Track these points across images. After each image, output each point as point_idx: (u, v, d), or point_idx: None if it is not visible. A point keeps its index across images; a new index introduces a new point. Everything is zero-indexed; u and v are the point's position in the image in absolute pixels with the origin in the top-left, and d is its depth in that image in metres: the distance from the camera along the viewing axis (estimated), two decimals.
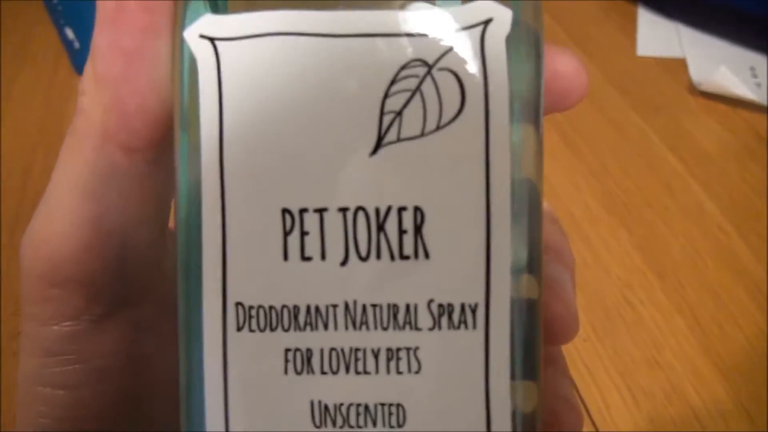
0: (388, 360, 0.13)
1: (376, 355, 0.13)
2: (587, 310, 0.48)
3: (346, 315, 0.13)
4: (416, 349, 0.12)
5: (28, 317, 0.16)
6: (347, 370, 0.13)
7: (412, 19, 0.12)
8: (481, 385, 0.12)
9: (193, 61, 0.13)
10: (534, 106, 0.13)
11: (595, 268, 0.50)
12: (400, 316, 0.13)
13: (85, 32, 0.76)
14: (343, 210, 0.12)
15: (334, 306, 0.12)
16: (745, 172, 0.56)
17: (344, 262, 0.12)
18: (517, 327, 0.13)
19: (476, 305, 0.12)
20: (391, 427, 0.13)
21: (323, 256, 0.12)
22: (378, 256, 0.12)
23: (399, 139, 0.12)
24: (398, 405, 0.13)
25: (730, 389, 0.43)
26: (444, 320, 0.12)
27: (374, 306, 0.13)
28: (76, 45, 0.77)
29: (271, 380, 0.13)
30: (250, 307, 0.13)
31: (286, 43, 0.12)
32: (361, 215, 0.12)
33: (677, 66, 0.67)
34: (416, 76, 0.12)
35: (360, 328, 0.13)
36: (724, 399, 0.43)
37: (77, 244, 0.15)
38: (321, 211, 0.12)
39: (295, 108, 0.12)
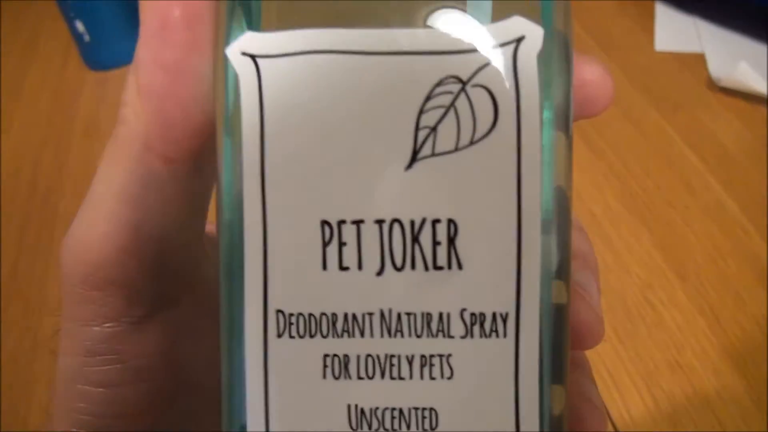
0: (422, 366, 0.13)
1: (410, 362, 0.13)
2: (607, 311, 0.47)
3: (381, 323, 0.13)
4: (449, 356, 0.13)
5: (69, 318, 0.16)
6: (383, 375, 0.13)
7: (446, 37, 0.12)
8: (511, 392, 0.13)
9: (235, 77, 0.13)
10: (564, 114, 0.14)
11: (615, 268, 0.50)
12: (434, 325, 0.13)
13: (95, 25, 0.76)
14: (380, 222, 0.13)
15: (371, 314, 0.13)
16: (765, 170, 0.55)
17: (380, 272, 0.13)
18: (546, 333, 0.13)
19: (507, 314, 0.13)
20: (425, 430, 0.13)
21: (360, 266, 0.13)
22: (413, 267, 0.13)
23: (434, 154, 0.13)
24: (431, 409, 0.13)
25: (751, 391, 0.42)
26: (476, 329, 0.13)
27: (408, 314, 0.13)
28: (86, 38, 0.76)
29: (310, 384, 0.13)
30: (290, 315, 0.13)
31: (324, 60, 0.12)
32: (396, 227, 0.13)
33: (696, 61, 0.66)
34: (450, 92, 0.12)
35: (395, 335, 0.13)
36: (745, 401, 0.42)
37: (117, 248, 0.15)
38: (358, 222, 0.13)
39: (332, 123, 0.13)
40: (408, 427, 0.13)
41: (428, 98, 0.13)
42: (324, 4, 0.13)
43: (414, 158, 0.13)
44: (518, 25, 0.13)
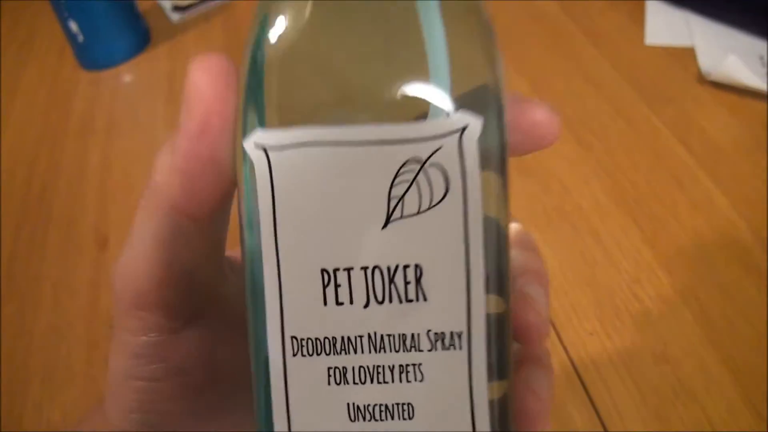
0: (401, 373, 0.17)
1: (391, 370, 0.17)
2: (595, 305, 0.48)
3: (369, 342, 0.17)
4: (420, 365, 0.17)
5: (122, 330, 0.21)
6: (372, 381, 0.17)
7: (409, 129, 0.16)
8: (466, 388, 0.17)
9: (251, 163, 0.17)
10: (498, 160, 0.17)
11: (603, 262, 0.50)
12: (408, 342, 0.17)
13: (88, 25, 0.76)
14: (364, 268, 0.17)
15: (361, 336, 0.17)
16: (755, 164, 0.55)
17: (366, 305, 0.17)
18: (492, 342, 0.17)
19: (461, 332, 0.17)
20: (404, 420, 0.17)
21: (351, 302, 0.17)
22: (390, 301, 0.17)
23: (402, 217, 0.17)
24: (408, 404, 0.17)
25: (737, 384, 0.43)
26: (439, 344, 0.17)
27: (389, 335, 0.17)
28: (80, 38, 0.76)
29: (319, 390, 0.17)
30: (302, 339, 0.17)
31: (318, 150, 0.16)
32: (377, 272, 0.17)
33: (686, 55, 0.66)
34: (413, 170, 0.16)
35: (379, 351, 0.17)
36: (732, 394, 0.42)
37: (156, 280, 0.20)
38: (348, 269, 0.17)
39: (326, 196, 0.17)
40: (392, 417, 0.17)
41: (397, 175, 0.16)
42: (312, 108, 0.17)
43: (388, 221, 0.17)
44: (463, 117, 0.16)
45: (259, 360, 0.18)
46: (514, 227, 0.24)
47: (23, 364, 0.51)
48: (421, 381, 0.17)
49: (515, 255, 0.23)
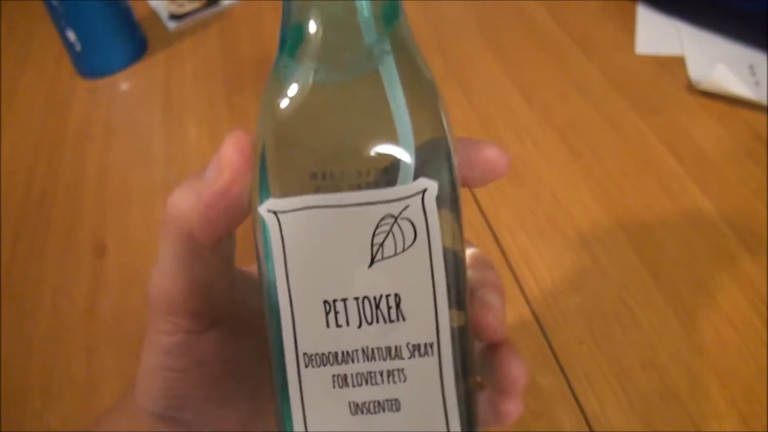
0: (388, 376, 0.22)
1: (381, 375, 0.22)
2: (584, 313, 0.48)
3: (363, 354, 0.22)
4: (402, 369, 0.22)
5: (155, 331, 0.26)
6: (366, 383, 0.22)
7: (385, 193, 0.21)
8: (438, 384, 0.22)
9: (265, 223, 0.22)
10: (451, 198, 0.22)
11: (592, 269, 0.51)
12: (392, 352, 0.22)
13: (86, 34, 0.77)
14: (356, 298, 0.22)
15: (356, 350, 0.22)
16: (743, 173, 0.56)
17: (359, 326, 0.22)
18: (456, 347, 0.22)
19: (432, 343, 0.22)
20: (393, 411, 0.22)
21: (348, 324, 0.22)
22: (377, 322, 0.22)
23: (383, 258, 0.22)
24: (395, 399, 0.22)
25: (723, 390, 0.43)
26: (416, 353, 0.22)
27: (378, 348, 0.22)
28: (78, 47, 0.77)
29: (327, 393, 0.22)
30: (312, 354, 0.22)
31: (317, 211, 0.21)
32: (366, 301, 0.22)
33: (676, 64, 0.67)
34: (389, 223, 0.21)
35: (371, 360, 0.22)
36: (718, 400, 0.43)
37: (182, 293, 0.25)
38: (344, 300, 0.22)
39: (325, 245, 0.21)
40: (384, 410, 0.22)
41: (377, 227, 0.21)
42: (308, 179, 0.21)
43: (372, 261, 0.22)
44: (423, 182, 0.21)
45: (278, 372, 0.23)
46: (471, 252, 0.29)
47: (22, 370, 0.52)
48: (404, 381, 0.22)
49: (476, 272, 0.27)
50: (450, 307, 0.22)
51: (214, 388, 0.28)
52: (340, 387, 0.22)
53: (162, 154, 0.69)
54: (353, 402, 0.22)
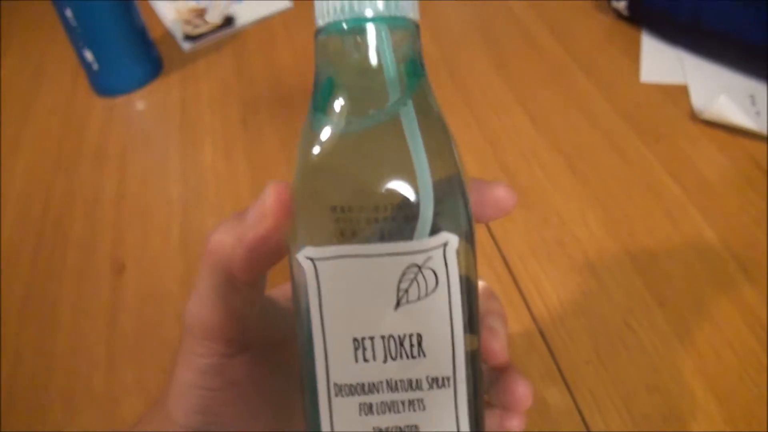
0: (409, 405, 0.24)
1: (403, 404, 0.24)
2: (590, 335, 0.50)
3: (387, 386, 0.24)
4: (422, 399, 0.24)
5: (192, 353, 0.29)
6: (389, 411, 0.24)
7: (410, 246, 0.23)
8: (453, 412, 0.24)
9: (302, 268, 0.23)
10: (467, 234, 0.24)
11: (598, 293, 0.53)
12: (414, 384, 0.24)
13: (104, 54, 0.78)
14: (383, 337, 0.24)
15: (381, 382, 0.24)
16: (744, 201, 0.58)
17: (385, 361, 0.24)
18: (470, 374, 0.24)
19: (449, 377, 0.24)
20: None
21: (374, 359, 0.24)
22: (401, 357, 0.24)
23: (407, 302, 0.24)
24: (415, 426, 0.24)
25: (724, 412, 0.45)
26: (434, 385, 0.24)
27: (400, 380, 0.24)
28: (95, 66, 0.79)
29: (354, 419, 0.24)
30: (341, 385, 0.24)
31: (350, 260, 0.23)
32: (391, 339, 0.24)
33: (679, 93, 0.69)
34: (414, 272, 0.23)
35: (394, 391, 0.24)
36: (718, 421, 0.45)
37: (218, 321, 0.28)
38: (372, 338, 0.24)
39: (356, 289, 0.23)
40: None
41: (403, 275, 0.23)
42: (336, 228, 0.23)
43: (398, 305, 0.24)
44: (445, 236, 0.23)
45: (310, 400, 0.25)
46: (481, 284, 0.30)
47: (44, 384, 0.53)
48: (423, 410, 0.24)
49: (483, 302, 0.29)
50: (464, 332, 0.24)
51: (242, 406, 0.30)
52: (366, 414, 0.24)
53: (178, 172, 0.71)
54: (377, 428, 0.24)
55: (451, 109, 0.70)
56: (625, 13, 0.77)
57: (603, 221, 0.58)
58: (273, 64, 0.83)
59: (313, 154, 0.24)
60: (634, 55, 0.74)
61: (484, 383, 0.28)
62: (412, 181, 0.23)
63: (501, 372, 0.29)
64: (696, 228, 0.56)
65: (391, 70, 0.24)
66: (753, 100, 0.66)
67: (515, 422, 0.29)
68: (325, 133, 0.24)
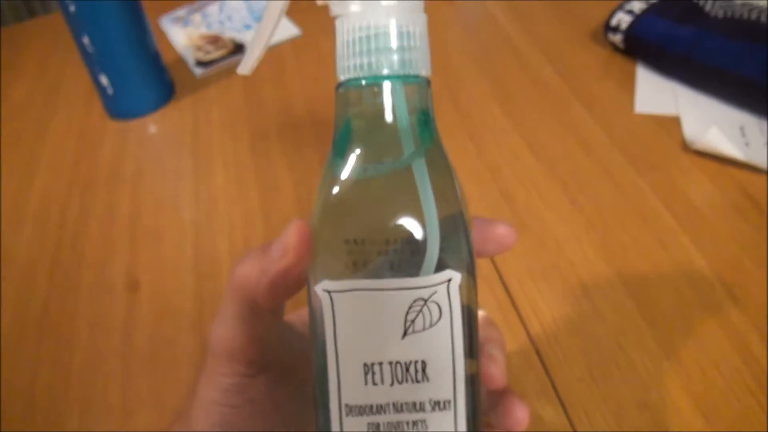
0: (413, 426, 0.26)
1: (407, 424, 0.26)
2: (584, 353, 0.52)
3: (393, 407, 0.26)
4: (425, 420, 0.26)
5: (215, 372, 0.31)
6: (395, 430, 0.26)
7: (417, 281, 0.25)
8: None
9: (320, 300, 0.26)
10: (469, 266, 0.26)
11: (592, 315, 0.55)
12: (417, 407, 0.26)
13: (118, 79, 0.81)
14: (390, 363, 0.26)
15: (388, 404, 0.26)
16: (732, 229, 0.60)
17: (392, 385, 0.26)
18: (469, 396, 0.26)
19: (450, 400, 0.26)
20: None
21: (382, 383, 0.26)
22: (406, 382, 0.26)
23: (413, 332, 0.26)
24: None
25: (710, 428, 0.47)
26: (437, 407, 0.26)
27: (405, 403, 0.26)
28: (110, 90, 0.82)
29: None
30: (352, 406, 0.26)
31: (363, 293, 0.25)
32: (398, 365, 0.26)
33: (672, 124, 0.72)
34: (420, 305, 0.25)
35: (400, 412, 0.26)
36: None
37: (240, 344, 0.30)
38: (380, 363, 0.26)
39: (367, 319, 0.26)
40: None
41: (410, 307, 0.25)
42: (349, 262, 0.26)
43: (405, 334, 0.26)
44: (448, 273, 0.25)
45: (324, 419, 0.27)
46: (481, 314, 0.32)
47: (61, 398, 0.55)
48: (426, 430, 0.26)
49: (483, 330, 0.31)
50: (465, 357, 0.26)
51: (260, 422, 0.32)
52: None
53: (190, 193, 0.73)
54: None
55: (453, 137, 0.72)
56: (621, 46, 0.80)
57: (597, 246, 0.61)
58: (282, 90, 0.85)
59: (331, 195, 0.26)
60: (629, 87, 0.77)
61: (485, 406, 0.30)
62: (421, 221, 0.25)
63: (500, 395, 0.30)
64: (686, 254, 0.59)
65: (404, 121, 0.26)
66: (743, 131, 0.68)
67: None
68: (343, 177, 0.26)
